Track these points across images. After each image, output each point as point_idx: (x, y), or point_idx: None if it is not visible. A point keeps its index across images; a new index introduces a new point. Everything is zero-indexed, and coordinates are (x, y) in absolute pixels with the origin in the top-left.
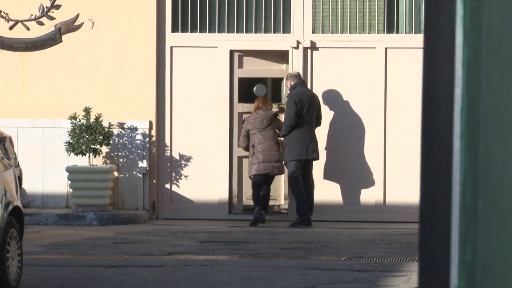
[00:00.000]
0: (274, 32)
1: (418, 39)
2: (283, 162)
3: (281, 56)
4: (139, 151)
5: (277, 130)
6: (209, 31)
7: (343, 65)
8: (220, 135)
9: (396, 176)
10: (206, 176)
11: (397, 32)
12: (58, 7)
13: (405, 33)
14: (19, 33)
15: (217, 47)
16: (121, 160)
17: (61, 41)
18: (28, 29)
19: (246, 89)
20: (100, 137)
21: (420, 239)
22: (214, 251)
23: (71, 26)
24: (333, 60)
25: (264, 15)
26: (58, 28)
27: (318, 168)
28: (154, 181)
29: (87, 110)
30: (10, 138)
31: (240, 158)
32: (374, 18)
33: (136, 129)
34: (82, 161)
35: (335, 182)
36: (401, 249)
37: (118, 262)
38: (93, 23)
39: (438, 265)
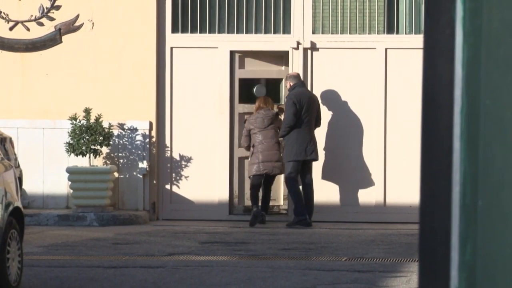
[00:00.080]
0: (274, 32)
1: (418, 40)
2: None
3: (281, 57)
4: (139, 152)
5: (278, 129)
6: (209, 32)
7: (343, 65)
8: (220, 136)
9: (396, 177)
10: (206, 177)
11: (397, 32)
12: (58, 7)
13: (405, 33)
14: (19, 33)
15: (217, 47)
16: (121, 160)
17: (61, 41)
18: (28, 29)
19: (246, 90)
20: (100, 138)
21: (420, 240)
22: (214, 251)
23: (71, 26)
24: (333, 60)
25: (264, 15)
26: (58, 28)
27: (318, 168)
28: (154, 181)
29: (87, 111)
30: (10, 138)
31: (240, 159)
32: (374, 19)
33: (136, 129)
34: (82, 161)
35: (335, 182)
36: (401, 250)
37: (118, 263)
38: (93, 23)
39: (438, 265)
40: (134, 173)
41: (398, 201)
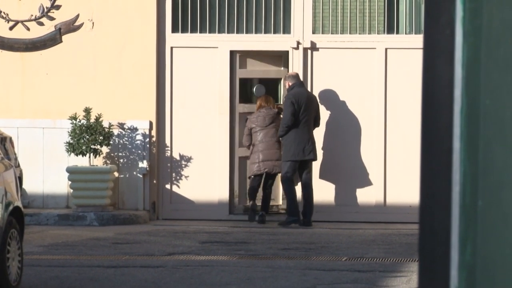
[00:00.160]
0: (274, 32)
1: (418, 40)
2: None
3: (281, 57)
4: (139, 152)
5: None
6: (209, 32)
7: (343, 65)
8: (220, 136)
9: (396, 177)
10: (207, 177)
11: (397, 32)
12: (58, 7)
13: (405, 33)
14: (19, 33)
15: (217, 47)
16: (121, 160)
17: (61, 41)
18: (28, 29)
19: (246, 90)
20: (100, 138)
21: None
22: (214, 251)
23: (71, 26)
24: (333, 60)
25: (264, 15)
26: (58, 28)
27: (318, 168)
28: (155, 181)
29: (87, 111)
30: (11, 138)
31: (240, 158)
32: (374, 19)
33: (136, 129)
34: (82, 161)
35: (336, 182)
36: (402, 250)
37: (119, 263)
38: (93, 23)
39: (438, 265)
40: (134, 173)
41: (398, 201)
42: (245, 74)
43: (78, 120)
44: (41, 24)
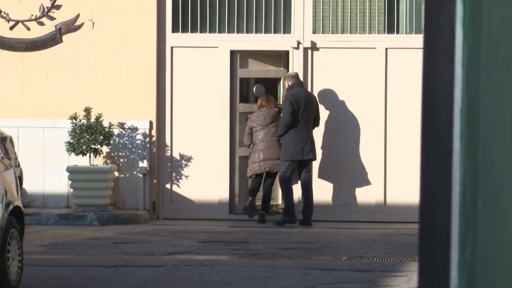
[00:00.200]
0: (275, 32)
1: (418, 40)
2: None
3: (282, 57)
4: (139, 151)
5: None
6: (210, 32)
7: (344, 65)
8: (220, 135)
9: (397, 176)
10: (207, 176)
11: (398, 32)
12: (58, 7)
13: (406, 33)
14: (20, 33)
15: (217, 47)
16: (121, 160)
17: (61, 41)
18: (28, 29)
19: (246, 89)
20: (101, 137)
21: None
22: (214, 251)
23: (72, 26)
24: (334, 60)
25: (264, 15)
26: (59, 28)
27: (318, 168)
28: (155, 181)
29: (87, 110)
30: (11, 138)
31: (241, 158)
32: (374, 19)
33: (136, 129)
34: (82, 161)
35: (336, 182)
36: (402, 249)
37: (119, 262)
38: (93, 23)
39: (438, 265)
40: (134, 173)
41: (398, 200)
42: (245, 74)
43: (78, 119)
44: (42, 24)
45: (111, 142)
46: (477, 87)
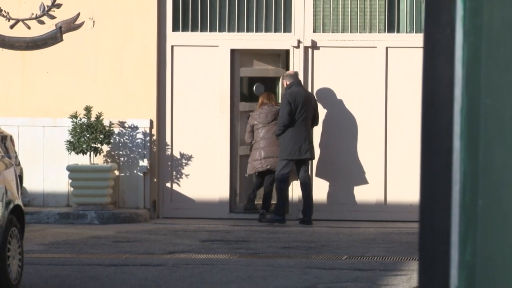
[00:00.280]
0: (275, 31)
1: (419, 39)
2: None
3: (282, 55)
4: (139, 150)
5: None
6: (210, 30)
7: (344, 64)
8: (221, 134)
9: (397, 175)
10: (207, 175)
11: (398, 31)
12: (59, 6)
13: (406, 32)
14: (20, 32)
15: (218, 46)
16: (122, 159)
17: (62, 40)
18: (29, 28)
19: (246, 88)
20: (101, 136)
21: (420, 239)
22: (214, 250)
23: (72, 25)
24: (334, 59)
25: (265, 14)
26: (59, 27)
27: (318, 167)
28: (155, 180)
29: (88, 109)
30: (11, 136)
31: (241, 157)
32: (375, 18)
33: (137, 128)
34: (83, 160)
35: (336, 181)
36: (402, 248)
37: (119, 261)
38: (93, 22)
39: (438, 264)
40: (135, 171)
41: (399, 199)
42: (245, 73)
43: (78, 118)
44: (42, 22)
45: (112, 141)
46: (477, 86)
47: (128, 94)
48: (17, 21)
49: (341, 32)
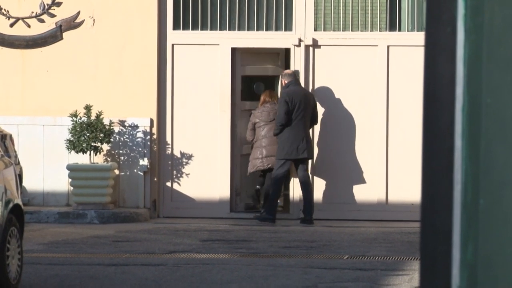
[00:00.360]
0: (276, 29)
1: (420, 37)
2: None
3: (281, 54)
4: (140, 149)
5: None
6: (211, 29)
7: (345, 63)
8: (221, 133)
9: (398, 175)
10: (208, 174)
11: (399, 30)
12: (58, 4)
13: (407, 31)
14: (20, 30)
15: (218, 44)
16: (122, 158)
17: (61, 38)
18: (28, 26)
19: (247, 87)
20: (101, 135)
21: (422, 238)
22: (215, 249)
23: (72, 23)
24: (335, 58)
25: (265, 12)
26: (59, 25)
27: (317, 166)
28: (155, 179)
29: (88, 108)
30: (11, 135)
31: (242, 156)
32: (376, 16)
33: (137, 126)
34: (82, 159)
35: (337, 181)
36: (403, 248)
37: (119, 261)
38: (94, 20)
39: (439, 264)
40: (135, 171)
41: (400, 199)
42: (246, 72)
43: (78, 117)
44: (42, 21)
45: (112, 140)
46: (478, 85)
47: (128, 92)
48: (17, 19)
49: (342, 30)
